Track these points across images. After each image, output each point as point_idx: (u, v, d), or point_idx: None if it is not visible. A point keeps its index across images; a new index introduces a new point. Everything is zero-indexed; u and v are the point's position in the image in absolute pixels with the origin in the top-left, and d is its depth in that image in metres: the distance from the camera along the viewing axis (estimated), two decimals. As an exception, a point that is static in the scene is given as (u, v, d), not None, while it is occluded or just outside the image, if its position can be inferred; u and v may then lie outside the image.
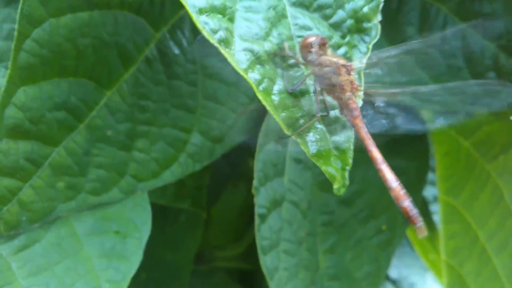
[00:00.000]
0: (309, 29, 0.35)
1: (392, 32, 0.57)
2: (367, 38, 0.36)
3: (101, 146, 0.44)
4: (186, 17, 0.47)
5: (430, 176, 0.68)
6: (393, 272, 0.88)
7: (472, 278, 0.64)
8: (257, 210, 0.49)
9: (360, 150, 0.62)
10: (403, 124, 0.38)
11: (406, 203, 0.34)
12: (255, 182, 0.50)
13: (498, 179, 0.62)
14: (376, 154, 0.35)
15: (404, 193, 0.35)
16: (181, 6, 0.46)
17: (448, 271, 0.66)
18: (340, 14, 0.36)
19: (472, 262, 0.64)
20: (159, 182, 0.47)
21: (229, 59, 0.32)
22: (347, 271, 0.60)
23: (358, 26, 0.36)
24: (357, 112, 0.35)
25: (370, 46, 0.36)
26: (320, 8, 0.35)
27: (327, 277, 0.59)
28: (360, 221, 0.61)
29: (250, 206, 0.71)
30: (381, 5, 0.37)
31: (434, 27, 0.56)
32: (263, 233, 0.50)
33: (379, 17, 0.37)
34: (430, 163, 0.68)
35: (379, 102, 0.37)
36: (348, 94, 0.34)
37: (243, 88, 0.51)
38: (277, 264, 0.52)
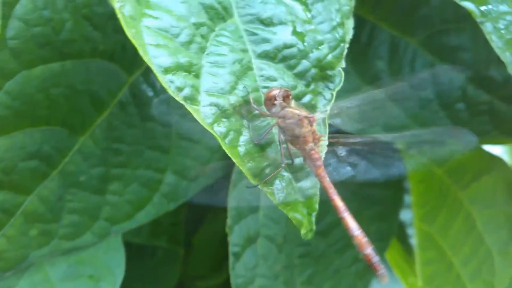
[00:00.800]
0: (274, 79, 0.36)
1: (363, 66, 0.58)
2: (331, 85, 0.37)
3: (74, 191, 0.44)
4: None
5: (408, 199, 0.69)
6: (373, 296, 0.89)
7: (448, 305, 0.65)
8: (231, 249, 0.50)
9: (333, 182, 0.64)
10: (366, 171, 0.39)
11: (368, 250, 0.35)
12: (228, 221, 0.50)
13: (470, 207, 0.63)
14: (338, 202, 0.36)
15: (366, 241, 0.36)
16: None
17: (425, 297, 0.66)
18: (304, 64, 0.37)
19: (447, 289, 0.65)
20: (133, 223, 0.47)
21: (195, 115, 0.32)
22: (325, 301, 0.61)
23: (322, 74, 0.37)
24: (319, 162, 0.36)
25: (334, 93, 0.37)
26: (284, 59, 0.36)
27: (306, 308, 0.59)
28: (337, 251, 0.61)
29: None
30: (345, 52, 0.38)
31: (404, 61, 0.57)
32: (237, 271, 0.50)
33: (343, 64, 0.38)
34: (407, 186, 0.69)
35: (341, 151, 0.38)
36: (310, 145, 0.35)
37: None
38: (253, 301, 0.53)
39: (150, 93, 0.48)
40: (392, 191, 0.65)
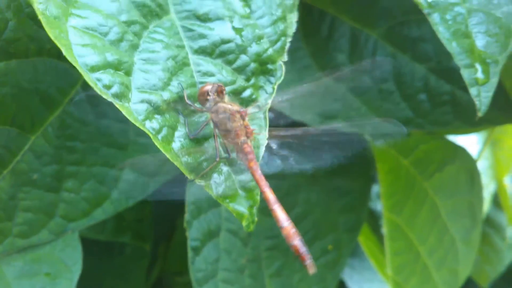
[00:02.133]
0: (212, 75, 0.36)
1: (323, 60, 0.58)
2: (272, 79, 0.37)
3: (27, 189, 0.45)
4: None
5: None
6: (354, 287, 0.90)
7: (416, 293, 0.65)
8: (190, 243, 0.50)
9: (300, 175, 0.64)
10: (296, 164, 0.40)
11: (296, 241, 0.36)
12: (187, 216, 0.50)
13: (435, 197, 0.64)
14: (268, 195, 0.36)
15: (294, 232, 0.36)
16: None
17: (394, 287, 0.67)
18: (243, 58, 0.37)
19: (415, 278, 0.66)
20: (90, 220, 0.48)
21: (124, 112, 0.32)
22: (295, 293, 0.61)
23: (263, 68, 0.37)
24: (251, 156, 0.36)
25: (276, 86, 0.37)
26: (222, 54, 0.37)
27: (274, 300, 0.59)
28: (306, 242, 0.61)
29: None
30: (287, 46, 0.39)
31: (365, 53, 0.58)
32: (197, 265, 0.51)
33: (284, 58, 0.38)
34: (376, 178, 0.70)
35: (273, 143, 0.39)
36: (242, 138, 0.36)
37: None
38: (215, 295, 0.53)
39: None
40: (359, 182, 0.66)
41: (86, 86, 0.47)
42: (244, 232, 0.57)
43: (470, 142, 0.76)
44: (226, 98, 0.36)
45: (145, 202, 0.57)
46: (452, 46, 0.44)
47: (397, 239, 0.67)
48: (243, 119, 0.36)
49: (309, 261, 0.35)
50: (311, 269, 0.35)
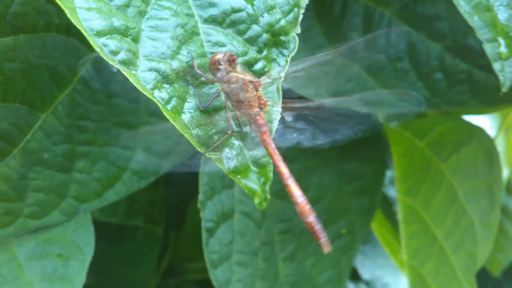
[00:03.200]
0: (223, 45, 0.35)
1: (337, 38, 0.57)
2: (285, 51, 0.36)
3: (38, 169, 0.44)
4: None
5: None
6: (366, 273, 0.89)
7: (432, 277, 0.64)
8: (204, 225, 0.49)
9: (314, 156, 0.63)
10: (311, 138, 0.39)
11: (311, 218, 0.35)
12: (201, 197, 0.50)
13: (452, 178, 0.63)
14: (283, 169, 0.35)
15: (308, 208, 0.35)
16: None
17: (410, 271, 0.66)
18: (255, 29, 0.36)
19: (431, 262, 0.65)
20: (103, 202, 0.47)
21: (131, 79, 0.31)
22: (308, 278, 0.60)
23: (275, 40, 0.36)
24: (264, 128, 0.35)
25: (289, 59, 0.36)
26: (233, 23, 0.36)
27: (288, 284, 0.59)
28: (319, 226, 0.61)
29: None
30: (300, 17, 0.38)
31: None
32: (211, 247, 0.50)
33: (298, 30, 0.37)
34: (390, 164, 0.68)
35: (288, 116, 0.38)
36: (256, 110, 0.35)
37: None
38: (230, 277, 0.52)
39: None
40: (372, 166, 0.64)
41: (96, 63, 0.46)
42: (258, 214, 0.57)
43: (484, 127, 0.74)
44: (238, 68, 0.35)
45: (156, 184, 0.56)
46: (474, 20, 0.43)
47: (412, 222, 0.66)
48: (256, 90, 0.35)
49: (323, 239, 0.34)
50: (326, 248, 0.34)
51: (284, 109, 0.36)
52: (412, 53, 0.56)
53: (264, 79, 0.35)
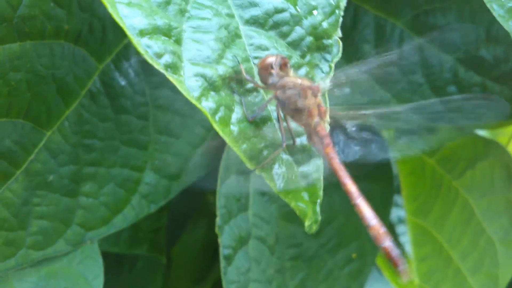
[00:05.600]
0: (266, 49, 0.32)
1: (349, 50, 0.54)
2: (328, 56, 0.33)
3: (43, 193, 0.40)
4: (132, 45, 0.44)
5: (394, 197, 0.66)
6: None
7: (448, 301, 0.62)
8: (222, 252, 0.45)
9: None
10: (379, 150, 0.35)
11: (387, 243, 0.31)
12: (218, 221, 0.46)
13: (467, 195, 0.60)
14: (351, 187, 0.31)
15: (384, 231, 0.31)
16: (126, 34, 0.43)
17: (423, 296, 0.63)
18: (298, 31, 0.32)
19: (447, 284, 0.62)
20: (111, 229, 0.43)
21: (179, 87, 0.28)
22: (320, 306, 0.57)
23: (318, 43, 0.33)
24: (328, 140, 0.31)
25: (333, 65, 0.33)
26: (276, 25, 0.32)
27: (300, 314, 0.55)
28: (330, 251, 0.58)
29: (212, 243, 0.66)
30: (341, 20, 0.35)
31: (391, 43, 0.55)
32: (230, 276, 0.46)
33: (339, 33, 0.34)
34: (394, 183, 0.66)
35: (351, 126, 0.34)
36: (316, 119, 0.31)
37: (198, 118, 0.48)
38: (248, 308, 0.48)
39: (123, 82, 0.43)
40: (380, 186, 0.62)
41: (104, 76, 0.42)
42: (272, 239, 0.53)
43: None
44: (291, 72, 0.31)
45: (161, 209, 0.52)
46: (509, 25, 0.41)
47: (423, 244, 0.64)
48: (315, 96, 0.31)
49: (403, 266, 0.30)
50: (406, 276, 0.30)
51: (347, 117, 0.33)
52: (425, 65, 0.54)
53: (322, 84, 0.31)
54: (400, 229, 0.73)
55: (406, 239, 0.71)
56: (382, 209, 0.61)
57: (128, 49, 0.44)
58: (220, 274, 0.48)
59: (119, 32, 0.42)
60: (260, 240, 0.51)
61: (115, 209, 0.43)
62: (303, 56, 0.33)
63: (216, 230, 0.45)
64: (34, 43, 0.36)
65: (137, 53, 0.44)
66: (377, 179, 0.61)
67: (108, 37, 0.41)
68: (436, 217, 0.62)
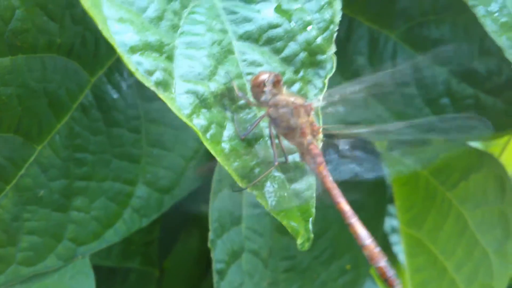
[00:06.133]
0: (260, 65, 0.31)
1: (342, 62, 0.54)
2: (322, 72, 0.33)
3: (33, 208, 0.39)
4: (125, 58, 0.43)
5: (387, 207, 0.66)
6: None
7: (443, 312, 0.61)
8: (215, 266, 0.45)
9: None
10: (373, 168, 0.35)
11: (382, 263, 0.30)
12: (211, 235, 0.45)
13: (461, 207, 0.60)
14: (344, 206, 0.31)
15: (379, 251, 0.31)
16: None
17: (417, 306, 0.63)
18: (292, 46, 0.32)
19: (442, 296, 0.62)
20: (102, 243, 0.42)
21: (169, 105, 0.27)
22: (314, 319, 0.56)
23: (312, 59, 0.33)
24: (320, 158, 0.31)
25: (326, 81, 0.33)
26: (270, 41, 0.32)
27: (295, 328, 0.55)
28: (323, 262, 0.58)
29: (206, 255, 0.66)
30: (335, 35, 0.34)
31: (384, 55, 0.55)
32: (223, 291, 0.45)
33: (333, 48, 0.34)
34: (387, 193, 0.66)
35: (344, 144, 0.34)
36: (309, 138, 0.31)
37: (191, 131, 0.47)
38: (241, 324, 0.48)
39: (115, 95, 0.43)
40: (373, 197, 0.62)
41: (95, 89, 0.42)
42: (265, 252, 0.53)
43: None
44: (284, 90, 0.31)
45: (154, 222, 0.52)
46: (502, 40, 0.41)
47: (417, 255, 0.63)
48: (308, 115, 0.30)
49: (398, 287, 0.30)
50: None
51: (340, 136, 0.32)
52: (418, 78, 0.54)
53: (315, 102, 0.31)
54: (394, 238, 0.73)
55: (399, 248, 0.71)
56: (375, 220, 0.61)
57: (121, 62, 0.43)
58: (213, 286, 0.47)
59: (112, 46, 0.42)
60: (254, 253, 0.50)
61: (107, 224, 0.43)
62: (296, 72, 0.32)
63: (209, 244, 0.45)
64: (26, 56, 0.36)
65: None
66: (370, 190, 0.61)
67: (100, 50, 0.41)
68: (430, 228, 0.62)
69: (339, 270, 0.58)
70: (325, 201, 0.61)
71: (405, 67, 0.52)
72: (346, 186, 0.59)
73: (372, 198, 0.61)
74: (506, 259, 0.58)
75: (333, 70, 0.33)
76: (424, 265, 0.63)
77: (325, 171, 0.31)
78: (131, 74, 0.44)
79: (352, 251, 0.59)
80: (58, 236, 0.40)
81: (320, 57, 0.33)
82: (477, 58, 0.53)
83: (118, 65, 0.43)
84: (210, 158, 0.48)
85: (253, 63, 0.31)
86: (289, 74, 0.32)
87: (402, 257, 0.68)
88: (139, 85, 0.44)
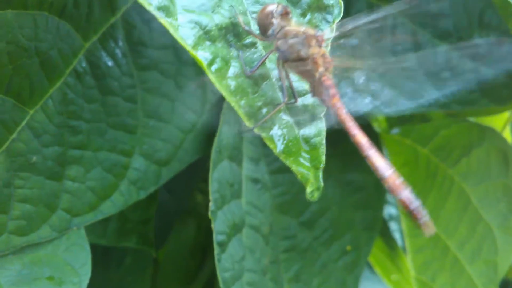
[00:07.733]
0: (265, 3, 0.30)
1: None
2: (329, 17, 0.32)
3: (26, 175, 0.37)
4: (119, 25, 0.42)
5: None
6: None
7: (447, 291, 0.60)
8: (216, 238, 0.43)
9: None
10: (390, 102, 0.33)
11: (405, 194, 0.29)
12: (211, 205, 0.44)
13: (463, 183, 0.59)
14: (361, 138, 0.30)
15: (400, 182, 0.29)
16: (112, 12, 0.41)
17: (419, 287, 0.62)
18: (299, -13, 0.31)
19: (445, 275, 0.60)
20: (98, 215, 0.41)
21: (172, 33, 0.26)
22: (314, 299, 0.55)
23: (319, 2, 0.31)
24: (334, 90, 0.29)
25: (334, 26, 0.32)
26: (276, -21, 0.31)
27: (295, 307, 0.53)
28: (324, 243, 0.56)
29: (201, 244, 0.64)
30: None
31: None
32: (224, 264, 0.44)
33: None
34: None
35: (358, 77, 0.32)
36: (321, 69, 0.29)
37: (189, 103, 0.46)
38: (242, 299, 0.46)
39: (110, 63, 0.42)
40: (373, 176, 0.60)
41: (90, 55, 0.40)
42: (266, 228, 0.51)
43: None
44: (293, 22, 0.29)
45: (150, 199, 0.50)
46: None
47: (419, 235, 0.62)
48: (320, 46, 0.29)
49: (424, 219, 0.28)
50: (429, 229, 0.28)
51: (354, 69, 0.31)
52: (419, 51, 0.53)
53: (327, 33, 0.29)
54: (393, 226, 0.72)
55: (398, 236, 0.70)
56: (377, 201, 0.60)
57: (115, 29, 0.42)
58: (210, 276, 0.46)
59: (106, 11, 0.41)
60: (254, 229, 0.49)
61: (103, 195, 0.41)
62: (303, 15, 0.31)
63: (209, 215, 0.43)
64: (16, 12, 0.34)
65: (124, 34, 0.43)
66: (371, 171, 0.60)
67: (94, 13, 0.40)
68: (431, 208, 0.61)
69: (340, 251, 0.57)
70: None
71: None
72: (345, 165, 0.58)
73: (372, 177, 0.59)
74: (510, 234, 0.57)
75: (341, 15, 0.32)
76: (425, 245, 0.62)
77: (339, 103, 0.29)
78: (125, 41, 0.43)
79: (352, 231, 0.58)
80: (52, 206, 0.39)
81: (327, 2, 0.32)
82: (477, 32, 0.52)
83: (113, 32, 0.42)
84: (208, 131, 0.47)
85: (257, 1, 0.30)
86: (295, 17, 0.31)
87: (402, 242, 0.67)
88: (134, 53, 0.43)
